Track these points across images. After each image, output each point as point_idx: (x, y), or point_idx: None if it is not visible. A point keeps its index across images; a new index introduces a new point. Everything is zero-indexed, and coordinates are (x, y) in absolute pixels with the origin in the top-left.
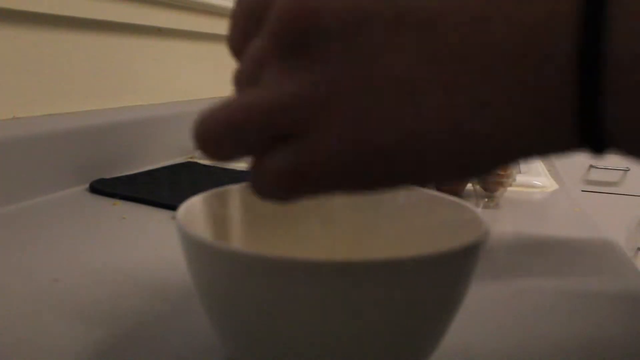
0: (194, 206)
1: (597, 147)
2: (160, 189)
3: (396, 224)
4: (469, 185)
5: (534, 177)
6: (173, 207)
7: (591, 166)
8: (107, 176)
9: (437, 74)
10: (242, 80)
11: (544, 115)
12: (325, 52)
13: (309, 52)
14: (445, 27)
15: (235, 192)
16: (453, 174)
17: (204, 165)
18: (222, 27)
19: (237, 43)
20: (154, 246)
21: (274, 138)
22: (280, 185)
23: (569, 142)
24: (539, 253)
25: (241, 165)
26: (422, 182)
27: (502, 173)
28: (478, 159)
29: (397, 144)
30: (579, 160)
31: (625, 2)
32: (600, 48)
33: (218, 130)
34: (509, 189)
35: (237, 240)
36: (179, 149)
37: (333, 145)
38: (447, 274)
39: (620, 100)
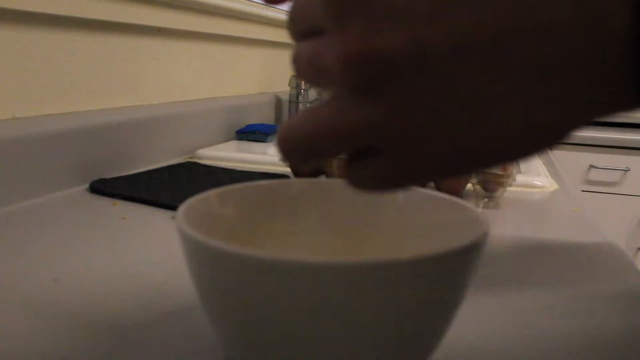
0: (194, 206)
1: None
2: (160, 189)
3: (396, 224)
4: (469, 185)
5: (534, 177)
6: (173, 207)
7: (591, 166)
8: (107, 176)
9: (512, 85)
10: (306, 74)
11: (608, 87)
12: (396, 85)
13: (381, 88)
14: (509, 39)
15: (235, 192)
16: (521, 157)
17: (204, 165)
18: (222, 27)
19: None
20: (154, 246)
21: (354, 150)
22: (379, 188)
23: (630, 106)
24: (539, 253)
25: (241, 165)
26: (491, 167)
27: (502, 173)
28: (548, 143)
29: (475, 155)
30: (579, 160)
31: None
32: None
33: (303, 143)
34: (509, 189)
35: (237, 240)
36: (179, 149)
37: (417, 161)
38: (447, 274)
39: None
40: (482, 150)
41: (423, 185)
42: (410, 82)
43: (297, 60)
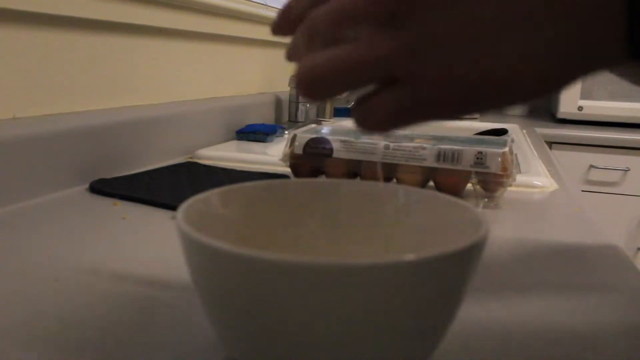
0: (194, 206)
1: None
2: (160, 189)
3: (396, 224)
4: (469, 185)
5: (534, 177)
6: (173, 207)
7: (591, 166)
8: (107, 176)
9: (513, 16)
10: (314, 35)
11: (601, 40)
12: (418, 15)
13: (404, 19)
14: None
15: (235, 192)
16: (524, 97)
17: (204, 165)
18: (222, 27)
19: (301, 8)
20: (154, 246)
21: (376, 82)
22: (390, 119)
23: (619, 59)
24: (539, 253)
25: (241, 165)
26: (500, 106)
27: (502, 173)
28: (547, 84)
29: (482, 78)
30: (579, 160)
31: None
32: None
33: (326, 75)
34: (509, 189)
35: (237, 240)
36: (179, 149)
37: (432, 88)
38: (447, 274)
39: None
40: (493, 81)
41: (434, 118)
42: (431, 13)
43: (311, 20)
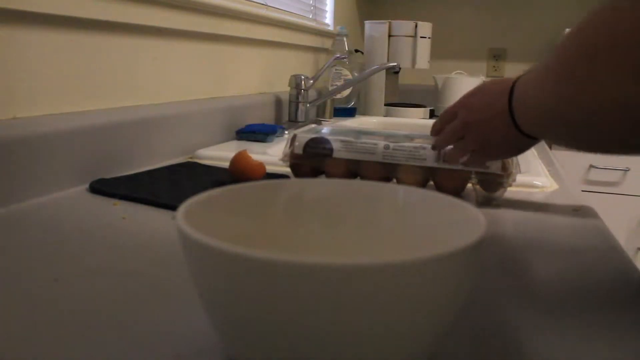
0: (194, 206)
1: (530, 138)
2: (160, 189)
3: (396, 224)
4: (469, 185)
5: (534, 177)
6: (173, 207)
7: (591, 166)
8: (107, 176)
9: (478, 115)
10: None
11: (510, 130)
12: (469, 125)
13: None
14: (483, 95)
15: (236, 192)
16: (503, 156)
17: (204, 165)
18: (222, 27)
19: (441, 126)
20: (154, 246)
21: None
22: (460, 155)
23: (525, 143)
24: (539, 253)
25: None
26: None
27: (502, 173)
28: (513, 152)
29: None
30: (579, 160)
31: (518, 87)
32: (511, 101)
33: (442, 139)
34: (509, 189)
35: (237, 240)
36: (179, 149)
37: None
38: (448, 274)
39: (521, 116)
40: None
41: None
42: (471, 124)
43: (442, 118)
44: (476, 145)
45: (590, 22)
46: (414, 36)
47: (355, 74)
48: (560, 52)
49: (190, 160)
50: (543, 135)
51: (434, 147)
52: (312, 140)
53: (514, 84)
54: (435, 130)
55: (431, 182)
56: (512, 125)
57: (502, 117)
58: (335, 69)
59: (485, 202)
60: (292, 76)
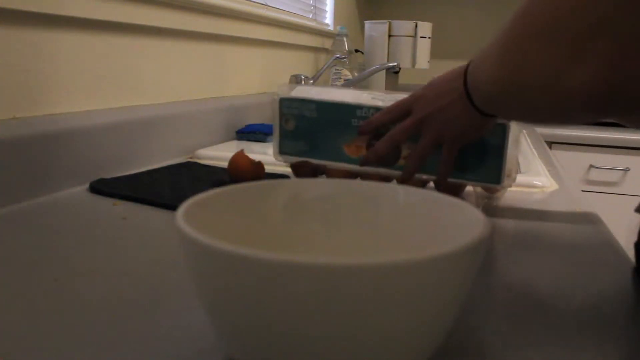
0: (194, 206)
1: (483, 114)
2: (160, 189)
3: (396, 224)
4: (469, 187)
5: (534, 177)
6: (173, 207)
7: (591, 166)
8: (107, 176)
9: (433, 95)
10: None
11: (466, 107)
12: (425, 121)
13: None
14: (436, 86)
15: (235, 192)
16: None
17: (204, 165)
18: (222, 27)
19: (385, 123)
20: (154, 246)
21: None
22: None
23: (480, 118)
24: (539, 253)
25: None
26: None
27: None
28: (472, 135)
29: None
30: (579, 160)
31: (471, 65)
32: (467, 81)
33: (387, 139)
34: (509, 189)
35: (237, 240)
36: (179, 149)
37: (429, 140)
38: (448, 274)
39: (475, 92)
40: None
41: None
42: (426, 118)
43: (390, 110)
44: (434, 138)
45: (536, 2)
46: (414, 36)
47: (355, 74)
48: (506, 29)
49: (190, 160)
50: (498, 111)
51: (364, 162)
52: None
53: (468, 65)
54: (371, 128)
55: (431, 182)
56: (470, 105)
57: (461, 100)
58: (335, 69)
59: (486, 202)
60: (292, 76)
